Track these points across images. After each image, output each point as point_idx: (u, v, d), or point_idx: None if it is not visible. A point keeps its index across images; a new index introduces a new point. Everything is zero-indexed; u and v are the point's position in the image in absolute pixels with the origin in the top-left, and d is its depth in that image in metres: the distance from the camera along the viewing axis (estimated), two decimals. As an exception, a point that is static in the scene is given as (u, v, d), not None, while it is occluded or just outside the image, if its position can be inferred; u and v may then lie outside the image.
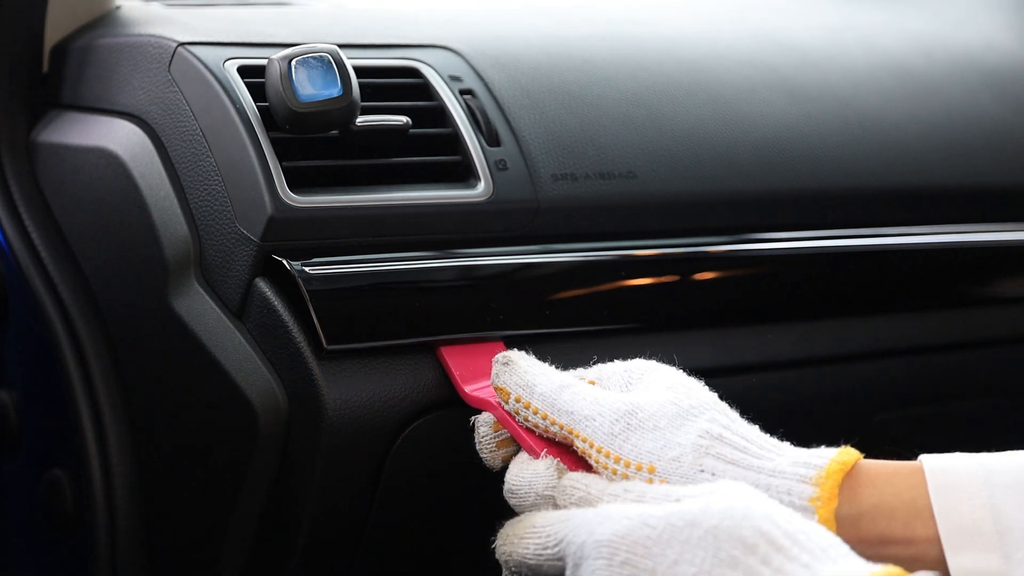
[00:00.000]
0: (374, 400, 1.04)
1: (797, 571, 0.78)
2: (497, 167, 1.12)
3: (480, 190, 1.11)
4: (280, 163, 1.05)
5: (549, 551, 0.89)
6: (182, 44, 1.10)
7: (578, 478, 0.94)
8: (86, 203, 1.14)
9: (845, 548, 0.80)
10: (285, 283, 1.03)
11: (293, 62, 1.04)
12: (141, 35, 1.14)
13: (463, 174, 1.12)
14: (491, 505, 1.11)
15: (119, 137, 1.12)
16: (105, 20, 1.20)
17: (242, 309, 1.06)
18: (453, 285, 1.07)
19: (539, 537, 0.90)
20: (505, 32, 1.23)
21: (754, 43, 1.34)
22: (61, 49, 1.19)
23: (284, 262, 1.03)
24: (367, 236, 1.07)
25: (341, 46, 1.07)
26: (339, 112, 1.05)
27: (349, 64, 1.06)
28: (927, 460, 0.90)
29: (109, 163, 1.11)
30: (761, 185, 1.23)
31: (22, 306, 1.17)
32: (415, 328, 1.05)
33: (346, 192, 1.07)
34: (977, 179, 1.34)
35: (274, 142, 1.06)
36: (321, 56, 1.05)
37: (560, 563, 0.88)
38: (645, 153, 1.18)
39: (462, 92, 1.15)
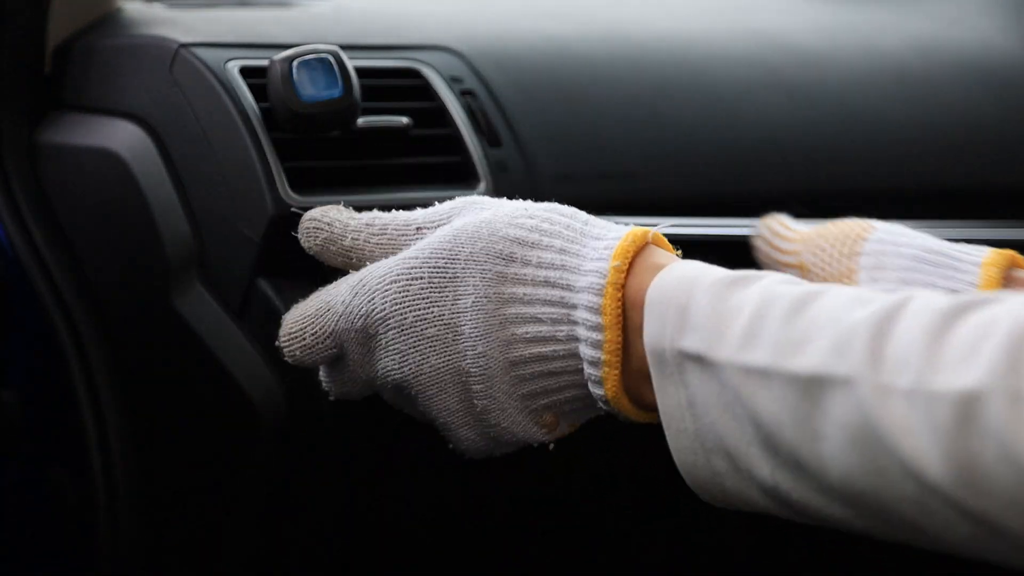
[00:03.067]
0: (375, 399, 1.04)
1: (554, 258, 0.84)
2: (498, 168, 1.12)
3: (481, 191, 1.11)
4: (281, 164, 1.06)
5: (322, 346, 0.91)
6: (184, 45, 1.11)
7: (315, 212, 0.94)
8: (88, 203, 1.15)
9: (594, 224, 0.87)
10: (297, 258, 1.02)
11: (295, 63, 1.05)
12: (143, 36, 1.15)
13: (464, 175, 1.12)
14: (494, 504, 1.12)
15: (121, 138, 1.12)
16: (107, 21, 1.20)
17: (243, 309, 1.06)
18: None
19: (306, 338, 0.91)
20: (505, 33, 1.24)
21: (753, 44, 1.34)
22: (64, 50, 1.19)
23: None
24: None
25: (342, 47, 1.07)
26: (340, 113, 1.06)
27: (350, 65, 1.06)
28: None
29: (111, 163, 1.12)
30: (760, 185, 1.23)
31: (24, 306, 1.17)
32: None
33: (347, 193, 1.07)
34: (974, 179, 1.34)
35: (275, 143, 1.06)
36: (322, 57, 1.05)
37: (336, 350, 0.91)
38: (645, 154, 1.18)
39: (463, 93, 1.15)
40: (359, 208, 1.05)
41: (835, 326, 0.74)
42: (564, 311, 0.84)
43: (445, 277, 0.87)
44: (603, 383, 0.83)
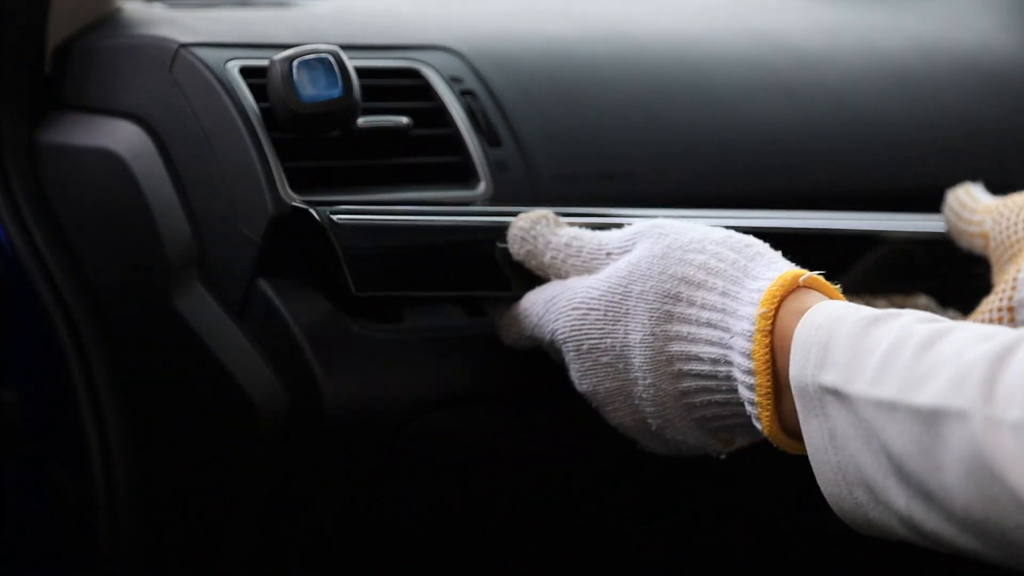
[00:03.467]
0: (375, 398, 1.04)
1: (715, 300, 0.90)
2: (498, 168, 1.12)
3: (481, 191, 1.11)
4: (281, 163, 1.06)
5: (525, 343, 1.02)
6: (184, 45, 1.11)
7: (523, 223, 1.01)
8: (88, 203, 1.15)
9: (759, 263, 0.92)
10: (309, 240, 1.02)
11: (295, 63, 1.05)
12: (143, 36, 1.15)
13: (464, 175, 1.12)
14: (494, 504, 1.12)
15: (121, 138, 1.12)
16: (107, 21, 1.20)
17: (243, 309, 1.06)
18: (483, 241, 1.04)
19: (511, 336, 1.03)
20: (506, 33, 1.24)
21: (753, 44, 1.34)
22: (64, 50, 1.19)
23: (311, 210, 1.01)
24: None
25: (342, 47, 1.07)
26: (340, 113, 1.06)
27: (350, 65, 1.06)
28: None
29: (111, 164, 1.12)
30: (759, 185, 1.23)
31: (24, 306, 1.17)
32: (441, 281, 1.04)
33: (347, 192, 1.07)
34: (974, 179, 1.34)
35: (275, 143, 1.06)
36: (322, 57, 1.05)
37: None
38: (644, 154, 1.19)
39: (463, 93, 1.15)
40: (361, 204, 1.06)
41: (957, 361, 0.77)
42: (723, 351, 0.90)
43: (619, 312, 0.94)
44: (760, 421, 0.88)
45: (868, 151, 1.30)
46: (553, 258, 1.00)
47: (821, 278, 0.90)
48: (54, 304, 1.15)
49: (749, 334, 0.88)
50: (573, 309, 0.96)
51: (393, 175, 1.10)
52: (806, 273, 0.90)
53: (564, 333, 0.97)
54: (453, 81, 1.16)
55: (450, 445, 1.07)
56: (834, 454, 0.83)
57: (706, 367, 0.91)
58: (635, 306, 0.93)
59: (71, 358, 1.14)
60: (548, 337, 0.98)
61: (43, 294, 1.15)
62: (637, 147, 1.19)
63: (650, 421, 0.95)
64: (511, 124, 1.15)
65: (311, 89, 1.05)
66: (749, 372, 0.88)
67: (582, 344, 0.96)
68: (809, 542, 1.30)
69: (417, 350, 1.06)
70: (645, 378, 0.93)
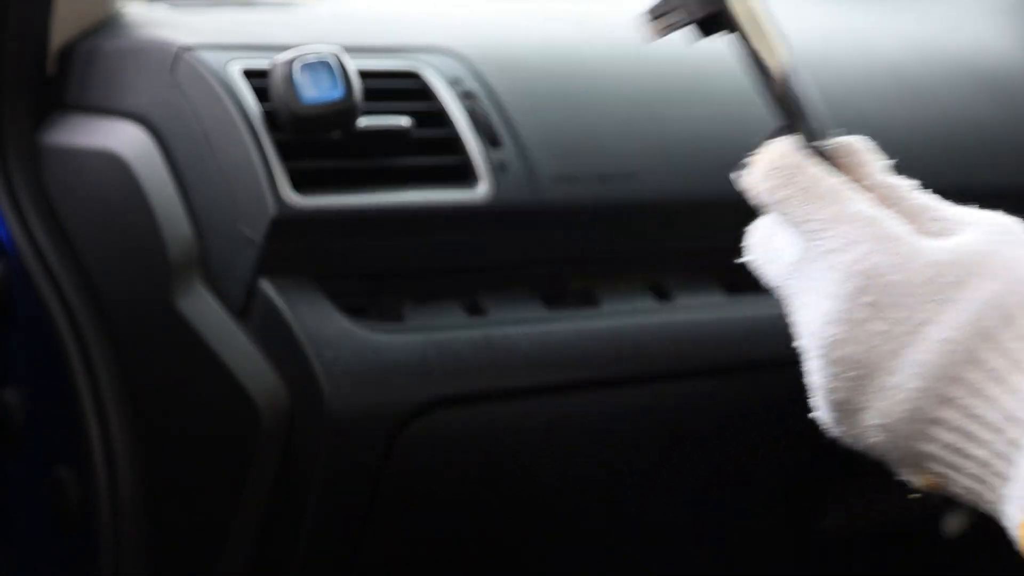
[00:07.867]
0: (376, 398, 1.05)
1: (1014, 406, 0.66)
2: (498, 168, 1.13)
3: (481, 192, 1.12)
4: (283, 164, 1.06)
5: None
6: (186, 47, 1.11)
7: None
8: (90, 204, 1.15)
9: None
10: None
11: (296, 65, 1.05)
12: (145, 38, 1.15)
13: (464, 176, 1.13)
14: (494, 504, 1.12)
15: (123, 139, 1.12)
16: (110, 23, 1.20)
17: (245, 309, 1.06)
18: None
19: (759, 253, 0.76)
20: (506, 35, 1.24)
21: (751, 46, 1.34)
22: (66, 51, 1.20)
23: None
24: (368, 236, 1.08)
25: (344, 49, 1.08)
26: (341, 114, 1.06)
27: (351, 67, 1.07)
28: None
29: (113, 165, 1.12)
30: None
31: (27, 306, 1.17)
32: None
33: (348, 193, 1.08)
34: (972, 181, 1.34)
35: (277, 144, 1.07)
36: (324, 59, 1.06)
37: None
38: (645, 155, 1.19)
39: (463, 95, 1.16)
40: (363, 212, 1.06)
41: None
42: (983, 488, 0.67)
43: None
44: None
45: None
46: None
47: None
48: (57, 304, 1.15)
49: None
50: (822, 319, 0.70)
51: (394, 176, 1.11)
52: None
53: (821, 343, 0.70)
54: (453, 83, 1.16)
55: (450, 445, 1.08)
56: None
57: (960, 478, 0.68)
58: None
59: (74, 358, 1.14)
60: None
61: (46, 295, 1.15)
62: (637, 148, 1.19)
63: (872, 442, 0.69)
64: (511, 125, 1.15)
65: (312, 91, 1.05)
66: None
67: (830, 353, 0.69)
68: (809, 543, 1.30)
69: (417, 350, 1.06)
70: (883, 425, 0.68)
